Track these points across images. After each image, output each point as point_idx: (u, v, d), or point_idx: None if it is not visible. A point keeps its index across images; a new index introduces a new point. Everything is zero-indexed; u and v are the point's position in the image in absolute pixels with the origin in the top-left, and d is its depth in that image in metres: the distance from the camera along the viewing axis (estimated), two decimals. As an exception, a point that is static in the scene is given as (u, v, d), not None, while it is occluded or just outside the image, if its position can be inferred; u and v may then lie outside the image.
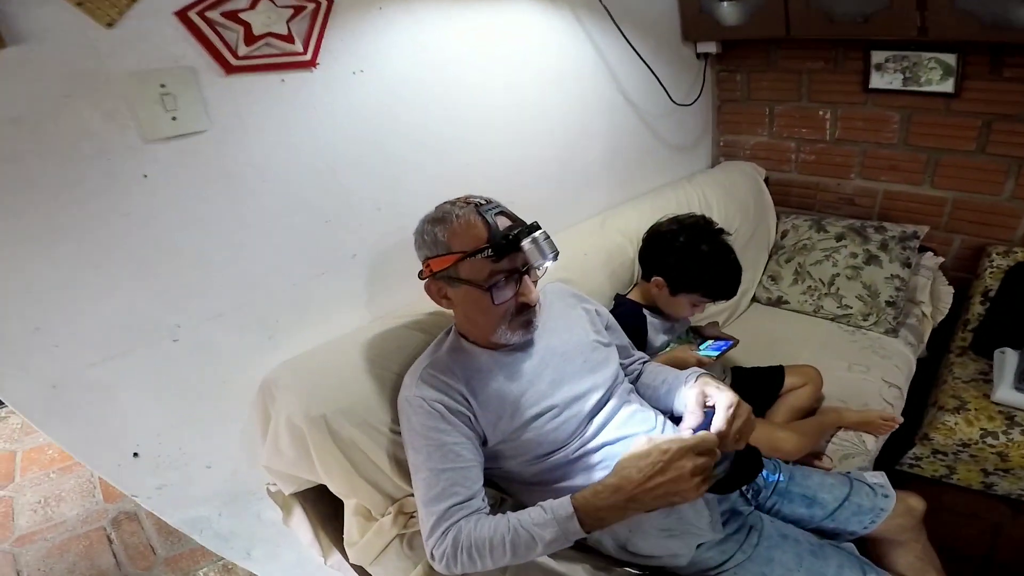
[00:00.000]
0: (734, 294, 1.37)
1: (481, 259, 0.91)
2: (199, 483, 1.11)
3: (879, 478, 1.10)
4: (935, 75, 1.69)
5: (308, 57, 1.07)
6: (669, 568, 0.98)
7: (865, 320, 1.79)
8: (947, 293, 1.88)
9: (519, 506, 1.04)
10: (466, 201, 0.96)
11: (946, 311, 1.86)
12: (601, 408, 1.02)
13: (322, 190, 1.15)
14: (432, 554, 0.85)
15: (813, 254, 1.92)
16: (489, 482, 1.07)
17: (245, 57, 0.98)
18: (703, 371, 1.03)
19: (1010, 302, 1.67)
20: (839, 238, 1.89)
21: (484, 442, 0.97)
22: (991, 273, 1.76)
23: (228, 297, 1.07)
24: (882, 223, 1.89)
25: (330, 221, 1.18)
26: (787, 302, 1.95)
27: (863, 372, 1.58)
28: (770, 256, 2.04)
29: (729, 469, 0.85)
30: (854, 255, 1.85)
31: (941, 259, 1.93)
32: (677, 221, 1.39)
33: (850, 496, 1.06)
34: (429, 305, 1.09)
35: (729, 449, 0.84)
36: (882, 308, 1.77)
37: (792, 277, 1.95)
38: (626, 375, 1.15)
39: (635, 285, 1.52)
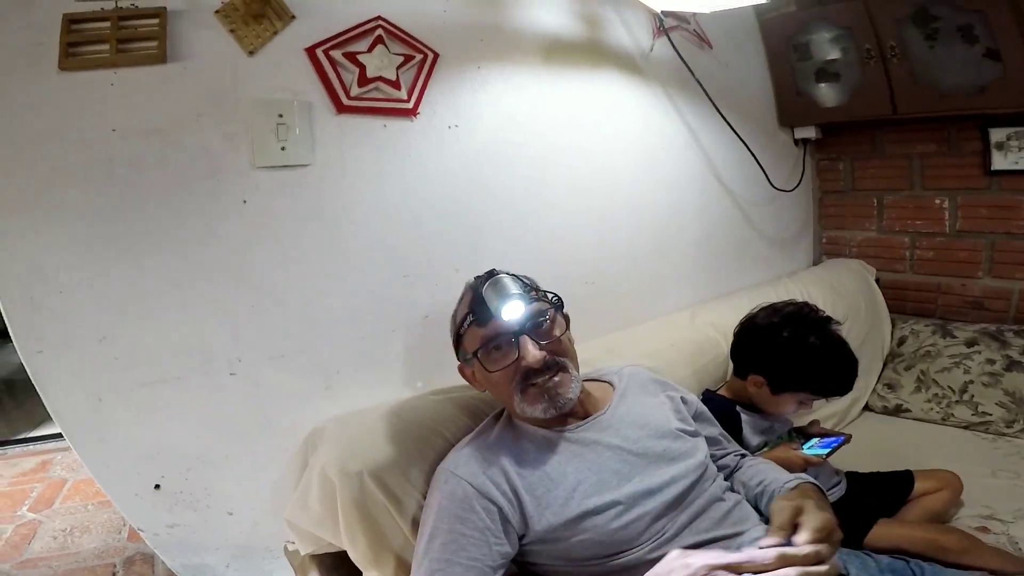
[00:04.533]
0: (850, 390, 1.29)
1: (470, 329, 0.95)
2: (215, 529, 1.10)
3: None
4: (1071, 150, 1.66)
5: (411, 105, 1.20)
6: None
7: (1009, 427, 1.66)
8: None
9: None
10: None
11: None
12: (683, 504, 0.95)
13: (406, 242, 1.23)
14: None
15: (939, 361, 1.82)
16: (530, 574, 1.00)
17: (356, 98, 1.12)
18: (808, 479, 0.96)
19: None
20: (970, 344, 1.80)
21: (522, 536, 0.91)
22: None
23: (294, 338, 1.12)
24: (1023, 326, 1.78)
25: (408, 276, 1.24)
26: (908, 410, 1.83)
27: (1012, 478, 1.45)
28: (884, 364, 1.95)
29: None
30: (991, 361, 1.74)
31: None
32: (775, 311, 1.34)
33: None
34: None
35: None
36: (1030, 414, 1.63)
37: (914, 385, 1.84)
38: (719, 470, 1.08)
39: (726, 382, 1.47)
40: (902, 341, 1.95)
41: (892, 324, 2.01)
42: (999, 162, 1.77)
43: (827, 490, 1.12)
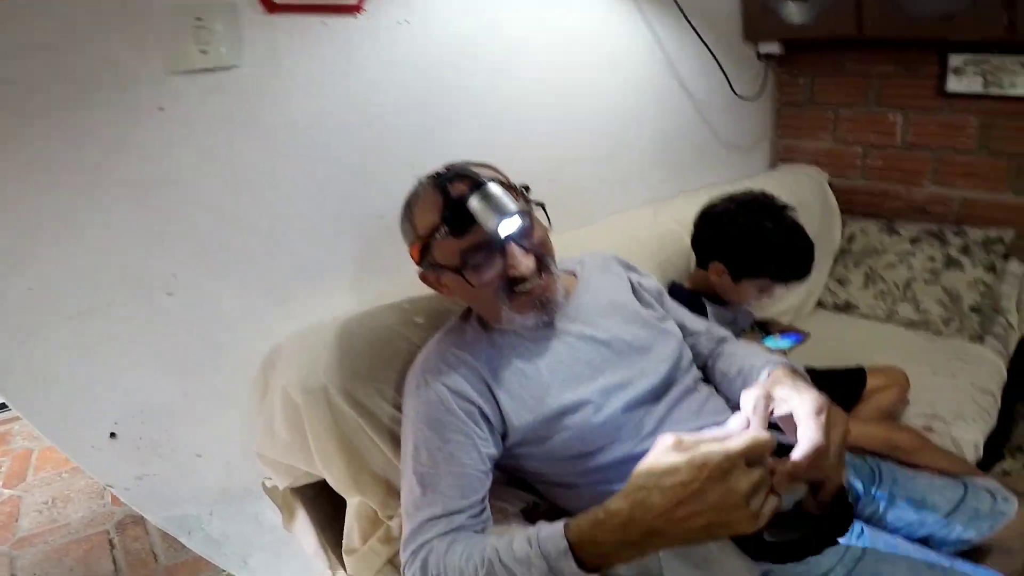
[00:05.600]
0: (807, 274, 1.32)
1: (443, 239, 0.84)
2: (187, 475, 1.05)
3: (991, 483, 1.03)
4: (1021, 79, 1.72)
5: (354, 1, 1.08)
6: None
7: (946, 326, 1.77)
8: (1034, 303, 1.86)
9: (557, 511, 0.96)
10: (432, 172, 0.89)
11: (1032, 321, 1.83)
12: (659, 397, 0.94)
13: (354, 143, 1.15)
14: (404, 573, 0.77)
15: (885, 257, 1.91)
16: (519, 482, 0.99)
17: (290, -6, 0.99)
18: (785, 360, 0.94)
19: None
20: (914, 241, 1.89)
21: (504, 435, 0.89)
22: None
23: (235, 249, 1.03)
24: (962, 227, 1.89)
25: (358, 176, 1.16)
26: (856, 307, 1.94)
27: (950, 377, 1.55)
28: (835, 261, 2.04)
29: (799, 514, 0.68)
30: (931, 259, 1.84)
31: (1028, 267, 1.92)
32: (732, 199, 1.35)
33: (965, 499, 0.99)
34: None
35: (815, 476, 0.67)
36: (965, 314, 1.75)
37: (862, 280, 1.94)
38: (694, 358, 1.07)
39: (689, 275, 1.48)
40: (851, 238, 2.04)
41: (843, 224, 2.08)
42: (953, 85, 1.85)
43: None
